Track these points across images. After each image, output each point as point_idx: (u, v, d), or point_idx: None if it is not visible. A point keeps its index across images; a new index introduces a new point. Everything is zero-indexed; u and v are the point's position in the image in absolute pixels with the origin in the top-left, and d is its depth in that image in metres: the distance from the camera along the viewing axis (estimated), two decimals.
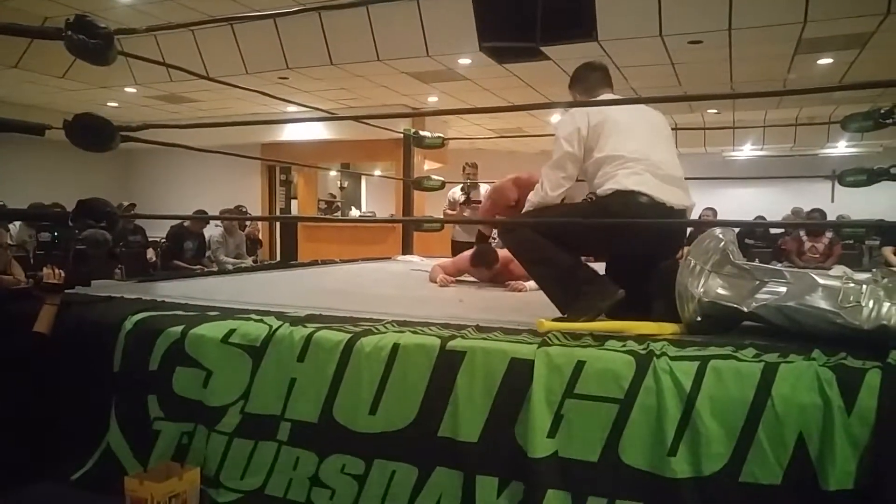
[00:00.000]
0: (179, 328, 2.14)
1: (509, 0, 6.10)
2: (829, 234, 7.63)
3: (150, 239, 8.47)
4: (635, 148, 2.28)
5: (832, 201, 10.20)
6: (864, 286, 1.72)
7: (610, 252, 2.43)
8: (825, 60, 7.20)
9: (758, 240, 8.98)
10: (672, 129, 2.64)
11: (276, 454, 1.98)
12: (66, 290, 2.39)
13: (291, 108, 9.08)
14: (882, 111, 4.48)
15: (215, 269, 6.45)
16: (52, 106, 9.44)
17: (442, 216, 6.26)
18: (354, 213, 13.32)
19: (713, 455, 1.54)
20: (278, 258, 11.39)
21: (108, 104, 9.74)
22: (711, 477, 1.54)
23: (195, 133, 7.13)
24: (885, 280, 1.75)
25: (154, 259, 8.00)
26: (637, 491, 1.60)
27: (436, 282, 3.78)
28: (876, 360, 1.54)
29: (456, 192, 6.31)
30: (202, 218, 6.67)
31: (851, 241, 9.72)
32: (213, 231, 7.34)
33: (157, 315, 2.28)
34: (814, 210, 8.74)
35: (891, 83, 2.75)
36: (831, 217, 9.90)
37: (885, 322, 1.63)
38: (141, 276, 3.93)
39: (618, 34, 6.24)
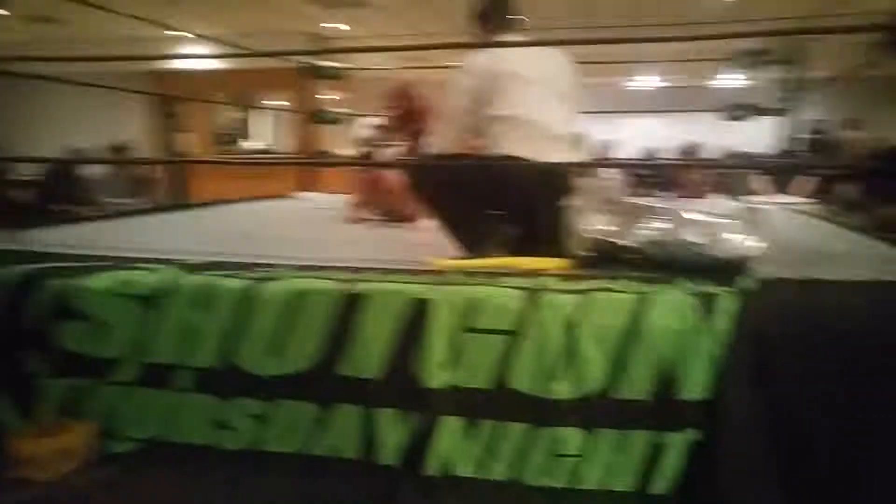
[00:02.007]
0: (62, 281, 2.06)
1: None
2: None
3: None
4: (525, 109, 2.38)
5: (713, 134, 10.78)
6: (726, 220, 1.91)
7: (499, 204, 2.52)
8: None
9: (651, 170, 9.39)
10: (577, 62, 2.68)
11: (175, 402, 1.99)
12: None
13: (177, 34, 8.55)
14: (766, 50, 4.79)
15: (97, 211, 6.13)
16: None
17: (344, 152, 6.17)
18: (247, 145, 12.81)
19: (592, 377, 1.72)
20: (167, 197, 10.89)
21: None
22: (590, 397, 1.73)
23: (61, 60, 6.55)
24: (745, 213, 1.95)
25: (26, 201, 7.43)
26: (524, 413, 1.77)
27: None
28: (733, 286, 1.74)
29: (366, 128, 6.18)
30: (81, 160, 6.27)
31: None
32: (93, 171, 6.93)
33: (36, 268, 2.16)
34: (691, 143, 9.24)
35: (773, 33, 2.93)
36: (717, 149, 10.50)
37: (740, 251, 1.83)
38: (9, 223, 3.63)
39: None
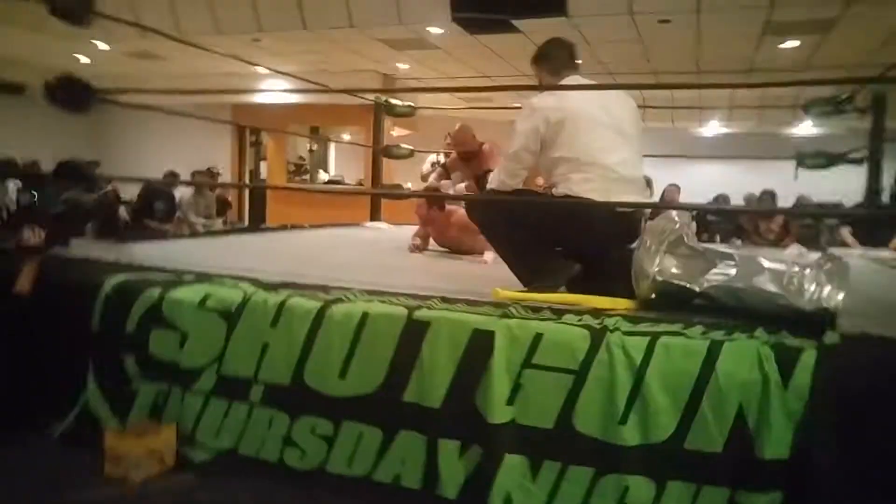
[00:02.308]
0: (156, 291, 2.20)
1: None
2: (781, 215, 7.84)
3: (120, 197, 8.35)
4: (591, 151, 2.37)
5: (795, 179, 10.44)
6: (808, 270, 1.86)
7: (562, 243, 2.50)
8: (791, 43, 7.36)
9: (719, 217, 9.18)
10: (639, 105, 2.69)
11: (248, 415, 2.07)
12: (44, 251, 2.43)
13: (263, 70, 8.97)
14: (841, 98, 4.65)
15: (185, 229, 6.44)
16: (23, 59, 9.18)
17: (410, 185, 6.31)
18: (323, 176, 13.24)
19: (660, 425, 1.67)
20: (247, 220, 11.34)
21: (80, 60, 9.50)
22: (658, 445, 1.68)
23: (165, 93, 7.00)
24: (829, 265, 1.89)
25: (125, 218, 7.91)
26: (589, 457, 1.73)
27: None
28: (813, 339, 1.67)
29: (429, 164, 6.34)
30: (175, 182, 6.63)
31: (809, 221, 10.02)
32: (183, 192, 7.31)
33: (134, 278, 2.32)
34: (764, 192, 8.96)
35: (847, 80, 2.88)
36: (790, 196, 10.18)
37: (824, 304, 1.77)
38: (113, 236, 3.92)
39: (588, 10, 6.30)
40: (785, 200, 9.58)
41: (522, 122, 2.47)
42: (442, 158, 6.17)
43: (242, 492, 1.93)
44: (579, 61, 2.71)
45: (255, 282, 2.28)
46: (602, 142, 2.40)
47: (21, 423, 2.22)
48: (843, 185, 9.70)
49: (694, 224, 8.16)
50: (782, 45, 7.41)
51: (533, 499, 1.76)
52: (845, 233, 7.05)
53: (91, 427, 2.15)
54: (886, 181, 6.60)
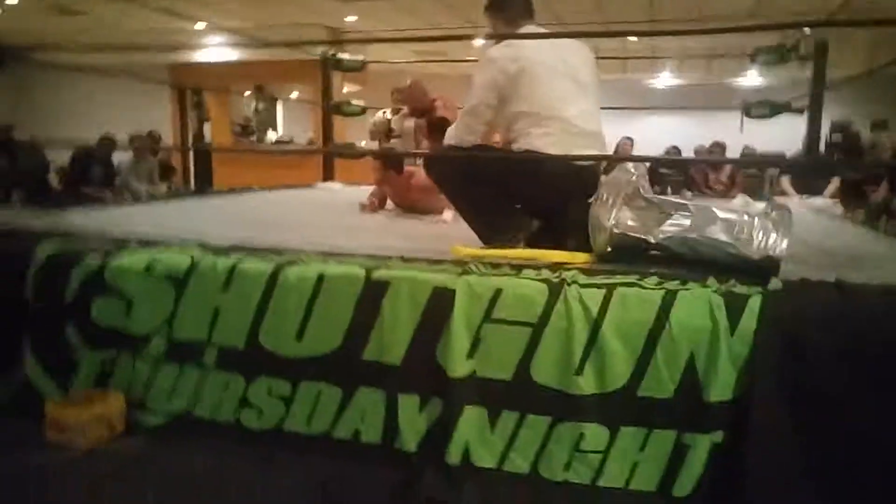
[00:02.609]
0: (97, 258, 2.13)
1: None
2: (729, 166, 8.00)
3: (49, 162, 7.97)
4: (551, 103, 2.33)
5: (741, 132, 10.63)
6: (756, 219, 1.88)
7: (522, 199, 2.49)
8: None
9: (671, 169, 9.31)
10: (599, 57, 2.64)
11: (202, 378, 2.03)
12: None
13: (201, 26, 8.62)
14: (788, 47, 4.70)
15: (127, 196, 6.22)
16: None
17: (365, 143, 6.20)
18: (271, 136, 12.92)
19: (615, 373, 1.71)
20: (193, 185, 11.03)
21: None
22: (613, 393, 1.72)
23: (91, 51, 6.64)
24: (774, 213, 1.92)
25: (58, 186, 7.60)
26: (546, 406, 1.77)
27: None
28: (759, 286, 1.72)
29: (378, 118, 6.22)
30: (109, 145, 6.36)
31: (755, 171, 10.26)
32: (122, 156, 7.03)
33: (70, 246, 2.23)
34: (714, 144, 9.12)
35: (798, 24, 2.90)
36: (737, 147, 10.38)
37: (770, 252, 1.81)
38: (33, 203, 3.74)
39: None
40: (732, 151, 9.75)
41: (480, 75, 2.42)
42: (389, 114, 6.07)
43: (198, 453, 1.91)
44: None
45: (204, 246, 2.21)
46: (560, 92, 2.36)
47: None
48: (787, 135, 9.94)
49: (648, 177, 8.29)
50: None
51: (491, 447, 1.80)
52: (785, 182, 7.23)
53: (32, 399, 2.09)
54: (823, 131, 6.75)
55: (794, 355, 1.62)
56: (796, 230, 1.91)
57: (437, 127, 3.98)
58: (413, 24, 9.10)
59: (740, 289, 1.72)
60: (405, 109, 4.75)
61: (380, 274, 1.91)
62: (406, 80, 4.70)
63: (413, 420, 1.85)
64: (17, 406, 2.11)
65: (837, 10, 7.16)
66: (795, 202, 4.86)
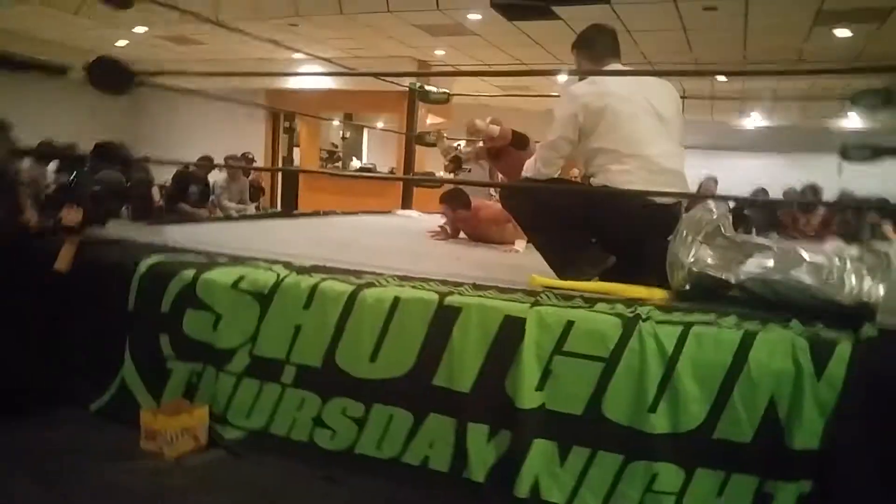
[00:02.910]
0: (191, 272, 2.24)
1: None
2: (822, 210, 7.66)
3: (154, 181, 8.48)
4: (632, 142, 2.31)
5: (839, 176, 10.17)
6: (849, 263, 1.82)
7: (598, 234, 2.45)
8: (843, 33, 7.08)
9: (758, 210, 9.01)
10: (680, 96, 2.62)
11: (280, 395, 2.10)
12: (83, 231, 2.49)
13: (298, 55, 9.01)
14: (892, 89, 4.48)
15: (219, 213, 6.53)
16: (64, 41, 9.33)
17: (443, 173, 6.29)
18: (355, 164, 13.31)
19: (690, 413, 1.66)
20: (279, 206, 11.44)
21: (117, 43, 9.64)
22: (687, 433, 1.67)
23: (202, 77, 7.08)
24: (870, 257, 1.84)
25: (159, 201, 8.04)
26: (617, 443, 1.73)
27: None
28: (849, 332, 1.65)
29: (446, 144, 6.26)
30: (207, 166, 6.71)
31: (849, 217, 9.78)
32: (217, 176, 7.40)
33: (169, 259, 2.37)
34: (807, 187, 8.76)
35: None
36: (833, 192, 9.93)
37: (864, 298, 1.73)
38: (148, 219, 4.01)
39: None
40: (828, 196, 9.36)
41: (560, 110, 2.44)
42: (463, 145, 6.13)
43: (273, 470, 1.97)
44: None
45: (288, 265, 2.30)
46: (643, 132, 2.34)
47: (60, 400, 2.28)
48: (889, 183, 9.44)
49: (731, 217, 8.04)
50: (834, 34, 7.12)
51: (561, 483, 1.76)
52: (888, 229, 6.86)
53: (128, 404, 2.21)
54: None
55: (887, 406, 1.54)
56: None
57: (499, 151, 4.03)
58: (498, 59, 9.22)
59: (827, 333, 1.66)
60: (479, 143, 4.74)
61: (452, 299, 1.94)
62: (486, 115, 4.72)
63: (482, 450, 1.85)
64: (116, 411, 2.23)
65: None
66: None
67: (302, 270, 2.23)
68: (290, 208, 10.19)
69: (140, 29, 8.72)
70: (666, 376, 1.69)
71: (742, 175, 11.57)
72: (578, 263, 2.31)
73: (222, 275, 2.22)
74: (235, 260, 2.40)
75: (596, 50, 2.55)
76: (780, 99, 10.75)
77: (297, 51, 5.63)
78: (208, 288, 2.20)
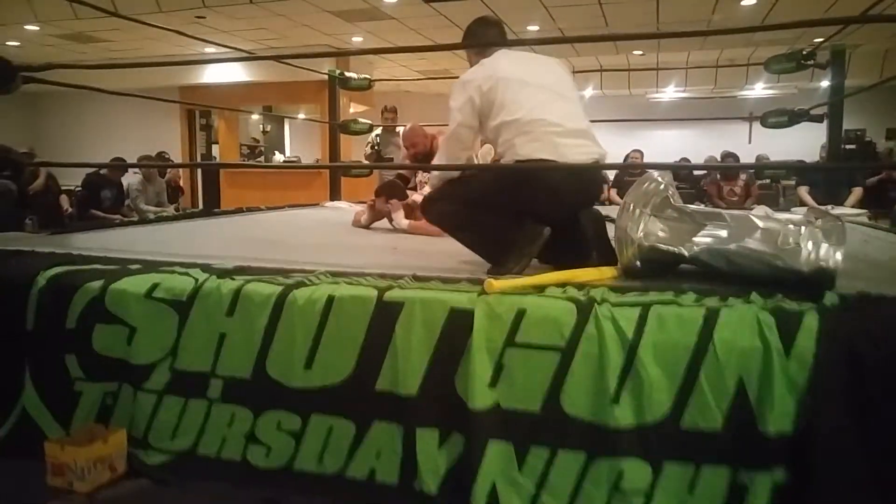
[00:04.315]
0: (98, 283, 2.00)
1: None
2: (743, 176, 7.86)
3: (63, 187, 7.95)
4: (530, 108, 2.24)
5: (749, 142, 10.52)
6: (803, 228, 1.74)
7: (528, 212, 2.31)
8: (748, 2, 7.30)
9: (682, 182, 9.20)
10: (597, 70, 2.61)
11: (207, 412, 1.89)
12: None
13: (210, 50, 8.63)
14: (804, 52, 4.58)
15: (135, 217, 6.14)
16: None
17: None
18: (279, 157, 12.91)
19: (655, 402, 1.53)
20: (201, 205, 10.98)
21: (8, 43, 8.99)
22: (653, 425, 1.54)
23: (107, 75, 6.63)
24: (820, 221, 1.77)
25: (69, 208, 7.53)
26: (579, 441, 1.59)
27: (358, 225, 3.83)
28: (811, 301, 1.55)
29: (367, 147, 6.19)
30: (120, 166, 6.31)
31: (768, 181, 10.14)
32: (131, 179, 6.98)
33: (72, 270, 2.11)
34: (728, 154, 9.01)
35: (813, 22, 2.79)
36: (748, 158, 10.25)
37: (823, 264, 1.65)
38: (55, 228, 3.68)
39: None
40: (744, 161, 9.63)
41: (455, 100, 2.35)
42: (378, 138, 6.02)
43: (204, 495, 1.79)
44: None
45: (207, 268, 2.09)
46: (539, 100, 2.28)
47: None
48: (797, 145, 9.82)
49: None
50: (740, 4, 7.33)
51: (520, 489, 1.61)
52: (803, 192, 7.06)
53: (30, 435, 1.96)
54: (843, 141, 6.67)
55: (861, 379, 1.44)
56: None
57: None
58: (418, 43, 9.07)
59: (791, 305, 1.55)
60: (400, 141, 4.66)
61: (392, 294, 1.77)
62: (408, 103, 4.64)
63: (432, 458, 1.68)
64: (17, 442, 1.98)
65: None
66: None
67: (223, 273, 2.02)
68: (212, 208, 9.77)
69: (32, 27, 8.12)
70: (627, 363, 1.56)
71: (660, 146, 11.83)
72: (514, 246, 2.17)
73: (134, 283, 1.99)
74: (149, 266, 2.15)
75: (482, 41, 2.52)
76: (693, 67, 11.01)
77: (209, 42, 5.29)
78: (119, 299, 1.96)
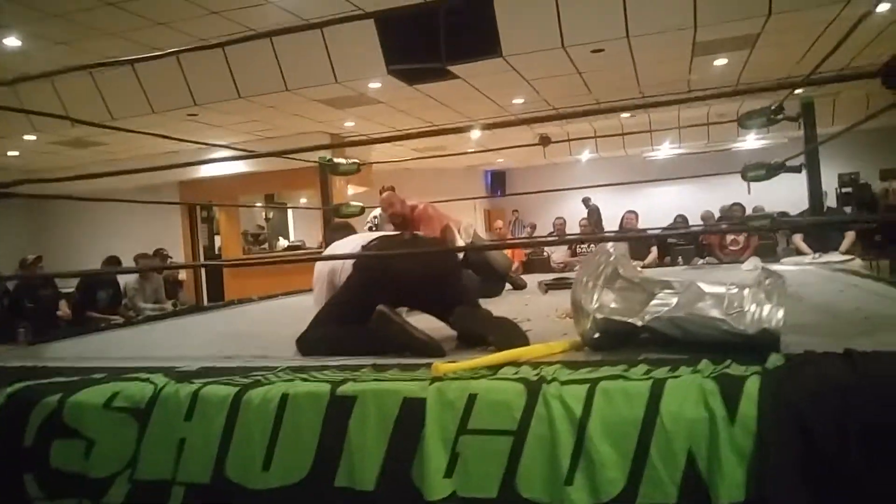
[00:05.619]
0: (56, 397, 1.99)
1: (412, 22, 6.12)
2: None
3: (62, 291, 8.05)
4: None
5: (749, 193, 10.54)
6: (748, 290, 1.73)
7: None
8: (720, 61, 7.51)
9: (679, 238, 9.18)
10: (590, 136, 2.63)
11: None
12: None
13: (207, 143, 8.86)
14: (773, 108, 4.65)
15: (133, 315, 6.19)
16: None
17: None
18: (283, 243, 13.07)
19: (608, 481, 1.49)
20: (205, 298, 11.05)
21: (8, 154, 9.30)
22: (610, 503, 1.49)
23: (99, 179, 6.82)
24: (768, 281, 1.77)
25: (68, 312, 7.60)
26: None
27: None
28: (756, 365, 1.53)
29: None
30: (118, 271, 6.40)
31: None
32: (128, 278, 7.07)
33: (31, 385, 2.11)
34: (735, 204, 9.03)
35: (782, 86, 2.84)
36: (751, 209, 10.25)
37: (766, 325, 1.63)
38: (41, 336, 3.71)
39: (522, 48, 6.33)
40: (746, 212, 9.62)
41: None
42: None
43: None
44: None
45: (170, 371, 2.08)
46: None
47: None
48: (798, 192, 9.85)
49: (654, 250, 8.14)
50: (713, 63, 7.53)
51: None
52: (798, 240, 7.09)
53: None
54: (831, 185, 6.68)
55: (809, 440, 1.39)
56: (808, 293, 1.74)
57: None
58: (409, 123, 9.31)
59: (736, 370, 1.53)
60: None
61: (345, 388, 1.75)
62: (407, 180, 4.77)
63: None
64: None
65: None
66: (807, 260, 4.66)
67: (183, 377, 2.01)
68: (216, 300, 9.84)
69: (30, 137, 8.41)
70: (578, 442, 1.52)
71: (658, 203, 11.89)
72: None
73: (93, 394, 1.98)
74: (113, 374, 2.15)
75: None
76: (684, 127, 11.19)
77: (199, 143, 5.45)
78: (76, 411, 1.95)
